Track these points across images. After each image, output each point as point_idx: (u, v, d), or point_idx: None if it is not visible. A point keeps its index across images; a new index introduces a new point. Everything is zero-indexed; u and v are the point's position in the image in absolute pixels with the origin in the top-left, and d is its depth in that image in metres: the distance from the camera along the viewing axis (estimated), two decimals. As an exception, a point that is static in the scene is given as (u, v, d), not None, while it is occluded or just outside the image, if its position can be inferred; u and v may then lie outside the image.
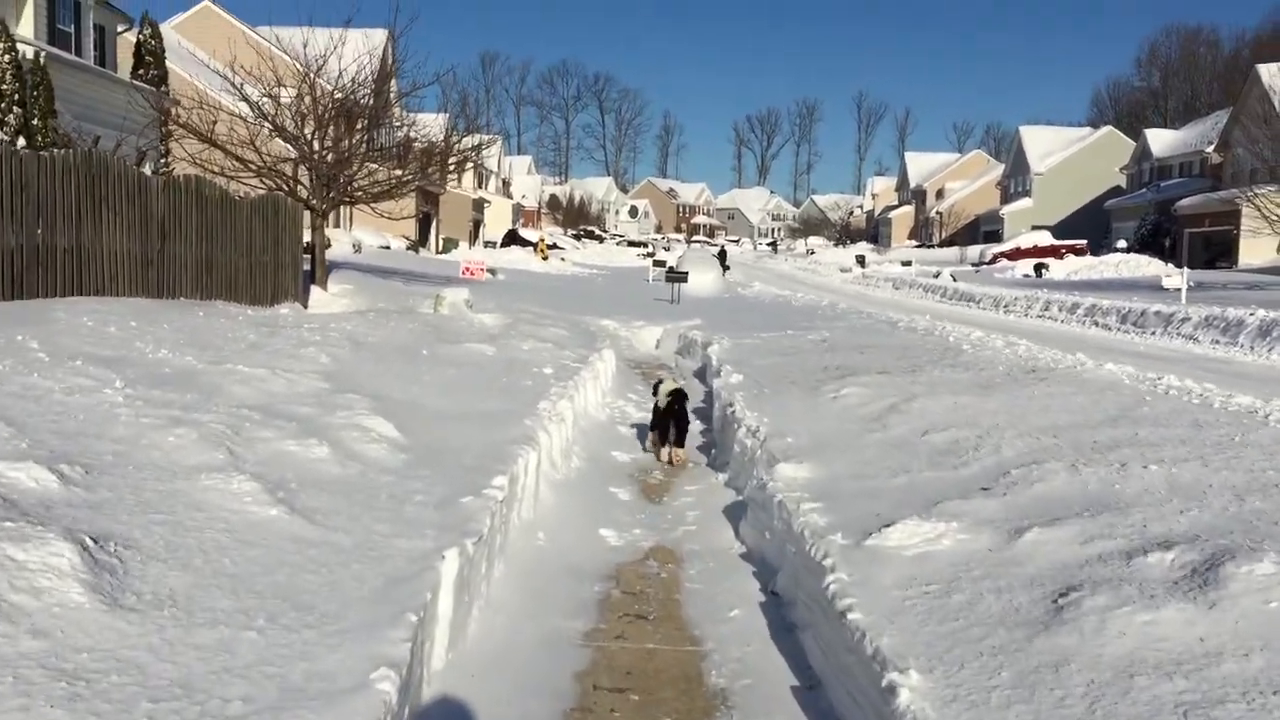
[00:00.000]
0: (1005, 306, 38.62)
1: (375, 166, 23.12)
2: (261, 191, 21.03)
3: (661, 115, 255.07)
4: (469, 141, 23.82)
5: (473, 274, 36.15)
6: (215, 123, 21.57)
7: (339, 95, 22.85)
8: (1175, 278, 39.29)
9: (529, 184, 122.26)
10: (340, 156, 22.87)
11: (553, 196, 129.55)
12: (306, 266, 23.00)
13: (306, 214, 22.78)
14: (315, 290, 22.52)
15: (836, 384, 11.16)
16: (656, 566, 7.27)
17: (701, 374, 17.67)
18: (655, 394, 11.11)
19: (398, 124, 23.25)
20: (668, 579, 7.02)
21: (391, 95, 25.35)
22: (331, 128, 22.75)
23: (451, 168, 23.71)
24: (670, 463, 10.61)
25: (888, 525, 5.84)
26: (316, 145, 22.46)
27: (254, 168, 22.68)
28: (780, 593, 6.40)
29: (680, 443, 10.74)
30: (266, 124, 22.26)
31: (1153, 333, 27.63)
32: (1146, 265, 56.19)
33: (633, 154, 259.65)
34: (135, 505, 5.37)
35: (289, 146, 22.55)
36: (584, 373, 13.22)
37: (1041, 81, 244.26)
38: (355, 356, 11.31)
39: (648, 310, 27.15)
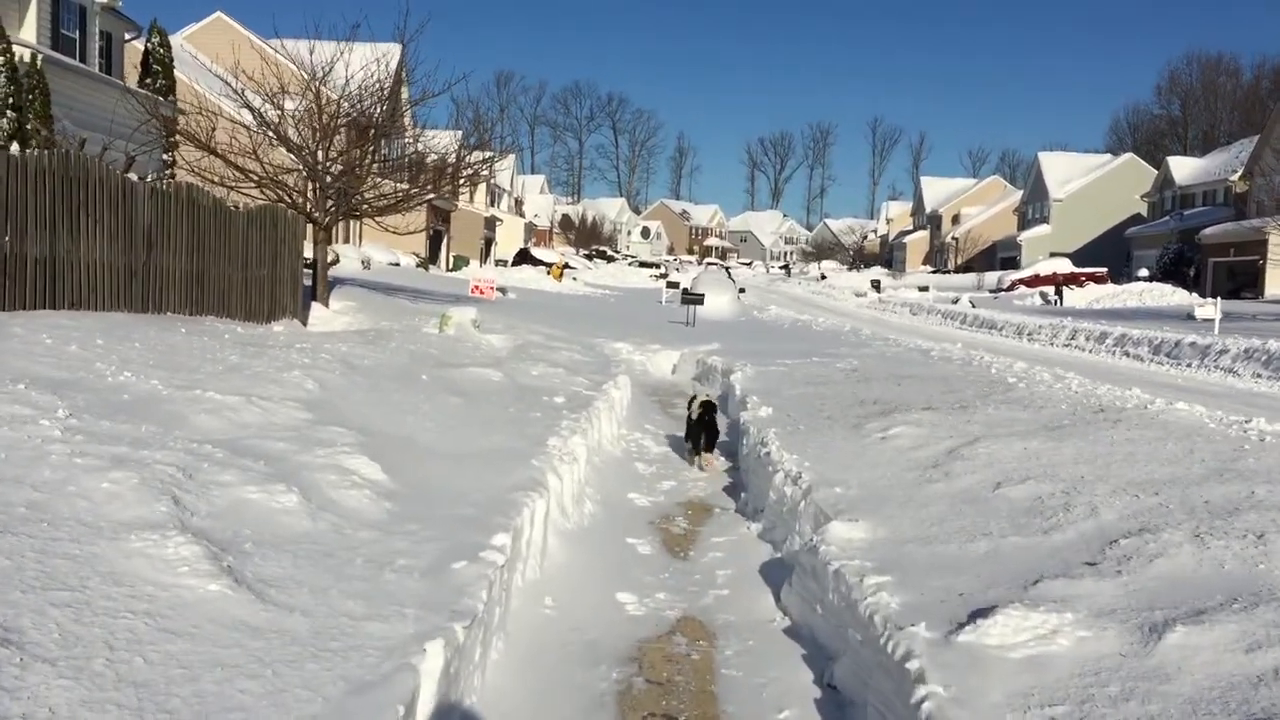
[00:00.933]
0: (1029, 335, 37.44)
1: (381, 180, 22.01)
2: (262, 203, 20.01)
3: (675, 137, 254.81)
4: (479, 156, 22.74)
5: (482, 293, 35.11)
6: (214, 129, 20.52)
7: (345, 104, 21.81)
8: (1208, 308, 38.10)
9: (542, 203, 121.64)
10: (346, 168, 21.84)
11: (565, 216, 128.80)
12: (308, 282, 21.97)
13: (309, 227, 21.77)
14: (316, 307, 21.43)
15: (881, 421, 9.98)
16: (685, 644, 6.09)
17: (722, 403, 16.52)
18: (689, 408, 12.34)
19: (407, 136, 22.16)
20: (700, 662, 5.83)
21: (402, 106, 24.42)
22: (338, 137, 21.71)
23: (462, 182, 22.63)
24: (701, 468, 11.74)
25: (982, 614, 4.65)
26: (320, 155, 21.43)
27: (255, 178, 21.65)
28: (840, 687, 5.22)
29: (710, 449, 11.93)
30: (269, 132, 21.23)
31: (1188, 365, 26.45)
32: (1170, 295, 55.04)
33: (646, 175, 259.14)
34: (35, 578, 4.22)
35: (292, 157, 21.51)
36: (598, 402, 12.07)
37: (1058, 108, 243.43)
38: (346, 382, 10.17)
39: (662, 333, 26.02)
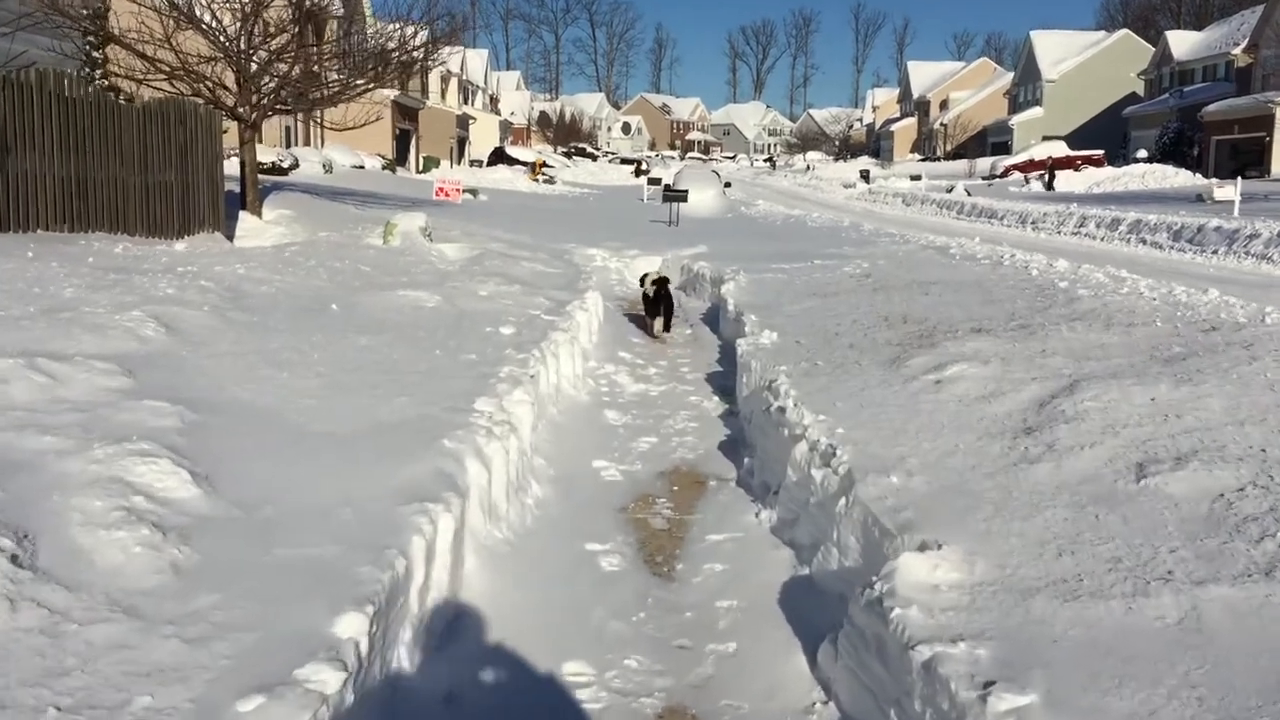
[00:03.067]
0: (1033, 223, 34.95)
1: (314, 68, 19.10)
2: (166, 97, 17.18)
3: (654, 28, 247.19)
4: (423, 38, 19.74)
5: (447, 195, 32.28)
6: (108, 9, 17.58)
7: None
8: (1227, 189, 35.63)
9: (518, 100, 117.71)
10: (274, 54, 18.91)
11: (543, 114, 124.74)
12: (236, 187, 19.25)
13: (236, 126, 18.94)
14: (245, 217, 18.70)
15: (927, 355, 7.48)
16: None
17: (713, 318, 14.00)
18: (642, 284, 13.32)
19: (354, 22, 19.18)
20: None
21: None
22: (265, 18, 18.73)
23: (404, 69, 19.73)
24: (659, 338, 12.82)
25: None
26: (244, 42, 18.52)
27: (166, 69, 18.74)
28: None
29: (667, 326, 13.00)
30: (175, 13, 18.25)
31: (1214, 251, 24.08)
32: (1174, 176, 52.55)
33: (625, 69, 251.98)
34: None
35: (206, 42, 18.55)
36: (557, 331, 9.55)
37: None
38: (215, 322, 7.64)
39: (643, 235, 23.34)
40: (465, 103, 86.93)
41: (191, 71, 18.56)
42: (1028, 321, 8.77)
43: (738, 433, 8.23)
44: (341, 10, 19.84)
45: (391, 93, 54.14)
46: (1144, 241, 27.94)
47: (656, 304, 12.89)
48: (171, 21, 18.58)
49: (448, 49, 21.28)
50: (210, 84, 18.62)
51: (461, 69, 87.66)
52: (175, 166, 15.33)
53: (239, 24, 18.69)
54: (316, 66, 19.10)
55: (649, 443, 7.97)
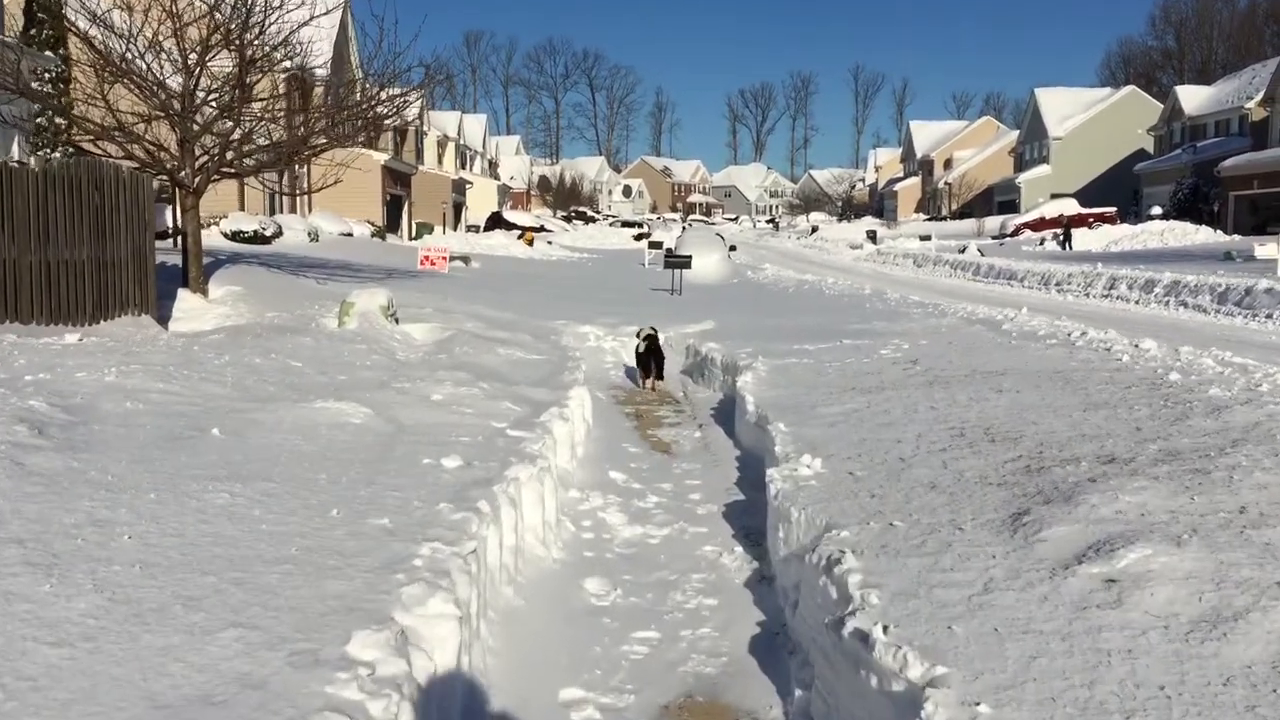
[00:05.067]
0: (1058, 285, 32.67)
1: (255, 124, 16.78)
2: (86, 157, 14.89)
3: (654, 92, 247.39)
4: (391, 92, 17.41)
5: (433, 264, 30.00)
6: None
7: (218, 14, 16.44)
8: (1269, 246, 33.40)
9: (517, 164, 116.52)
10: (220, 109, 16.60)
11: (543, 178, 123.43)
12: (179, 261, 16.90)
13: (177, 193, 16.61)
14: (186, 296, 16.30)
15: (1064, 518, 4.92)
16: None
17: (727, 414, 11.48)
18: (637, 338, 13.88)
19: (287, 57, 16.84)
20: None
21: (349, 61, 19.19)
22: (203, 74, 16.46)
23: (360, 125, 17.40)
24: (652, 389, 13.49)
25: None
26: (176, 89, 16.22)
27: (95, 127, 16.45)
28: None
29: (660, 376, 13.63)
30: (107, 64, 15.97)
31: (1268, 315, 21.74)
32: (1194, 233, 50.44)
33: (625, 132, 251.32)
34: None
35: (138, 94, 16.23)
36: (526, 455, 7.04)
37: (1045, 46, 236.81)
38: (1, 474, 5.15)
39: (643, 306, 20.87)
40: (463, 167, 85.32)
41: (126, 131, 16.30)
42: (1174, 447, 6.25)
43: (774, 617, 5.69)
44: (309, 67, 17.51)
45: (382, 157, 52.19)
46: (1184, 305, 25.65)
47: (647, 359, 13.55)
48: (105, 75, 16.38)
49: (418, 103, 18.94)
50: (148, 146, 16.33)
51: (459, 134, 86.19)
52: (87, 240, 12.94)
53: (184, 77, 16.44)
54: (260, 124, 16.74)
55: (647, 642, 5.39)
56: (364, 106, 17.25)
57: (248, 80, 16.46)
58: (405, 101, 17.82)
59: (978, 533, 5.00)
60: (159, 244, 18.80)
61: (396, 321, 14.82)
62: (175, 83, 16.55)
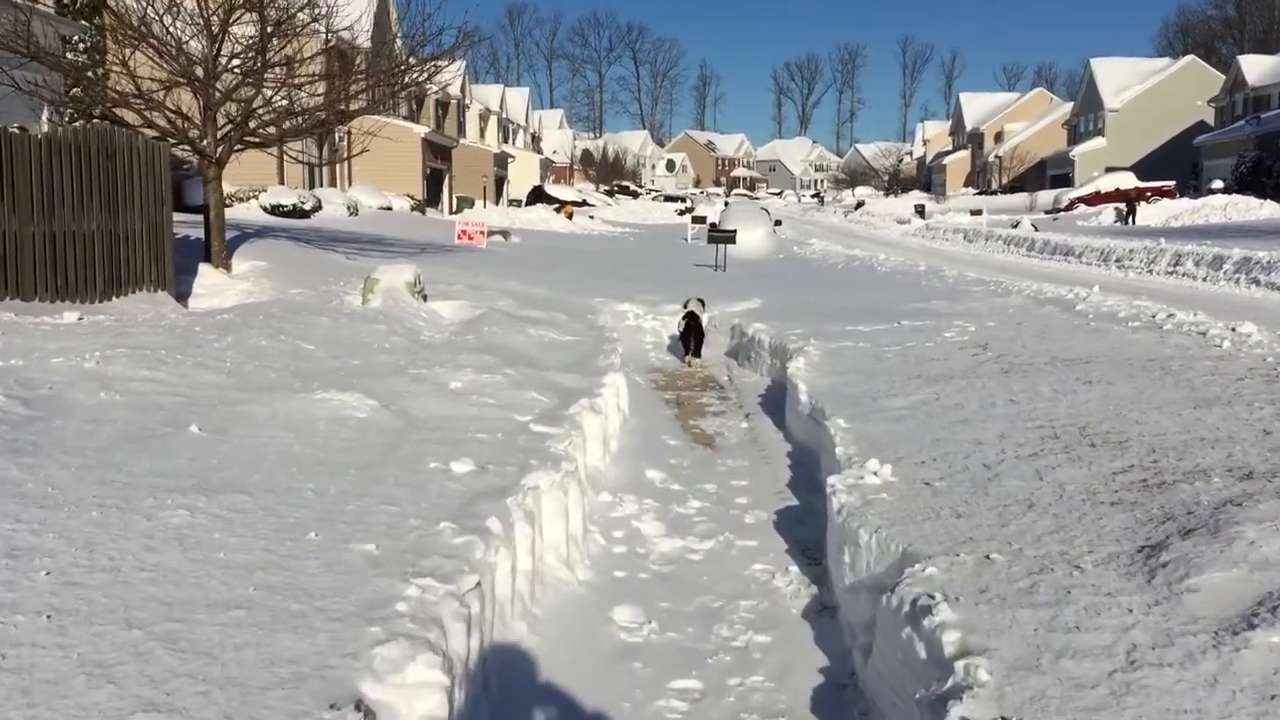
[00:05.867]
0: (1118, 261, 31.15)
1: (275, 88, 15.94)
2: (95, 124, 14.10)
3: (698, 65, 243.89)
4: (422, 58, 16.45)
5: (471, 238, 29.19)
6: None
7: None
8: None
9: (560, 139, 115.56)
10: (247, 71, 15.73)
11: (585, 152, 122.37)
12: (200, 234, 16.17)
13: (200, 163, 15.82)
14: (207, 271, 15.54)
15: (1216, 560, 3.93)
16: None
17: (775, 402, 10.49)
18: (683, 308, 13.88)
19: (313, 20, 15.93)
20: None
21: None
22: (227, 34, 15.62)
23: (398, 91, 16.48)
24: (689, 365, 13.34)
25: None
26: (199, 54, 15.41)
27: (113, 95, 15.68)
28: None
29: (698, 354, 13.49)
30: (125, 30, 15.19)
31: (1361, 297, 20.45)
32: (1259, 208, 48.44)
33: (669, 106, 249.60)
34: None
35: (161, 63, 15.46)
36: (551, 454, 6.13)
37: (1098, 15, 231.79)
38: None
39: (686, 283, 19.86)
40: (505, 141, 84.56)
41: (145, 98, 15.52)
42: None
43: (839, 660, 4.73)
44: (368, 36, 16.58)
45: (422, 130, 51.43)
46: (1257, 283, 24.17)
47: (687, 336, 13.48)
48: (124, 38, 15.63)
49: (453, 69, 17.98)
50: (169, 113, 15.54)
51: (501, 107, 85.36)
52: (99, 212, 12.19)
53: (205, 41, 15.64)
54: (282, 91, 15.88)
55: (686, 696, 4.44)
56: (394, 71, 16.31)
57: (271, 44, 15.60)
58: (436, 66, 16.87)
59: (1102, 574, 4.01)
60: (193, 218, 18.12)
61: (424, 299, 13.93)
62: (197, 46, 15.75)
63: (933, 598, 3.87)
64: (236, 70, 15.91)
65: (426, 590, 3.90)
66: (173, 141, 15.25)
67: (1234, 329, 10.22)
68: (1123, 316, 11.84)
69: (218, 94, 15.66)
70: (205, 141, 15.70)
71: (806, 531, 6.51)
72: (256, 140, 16.30)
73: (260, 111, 15.87)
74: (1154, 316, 11.57)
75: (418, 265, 14.75)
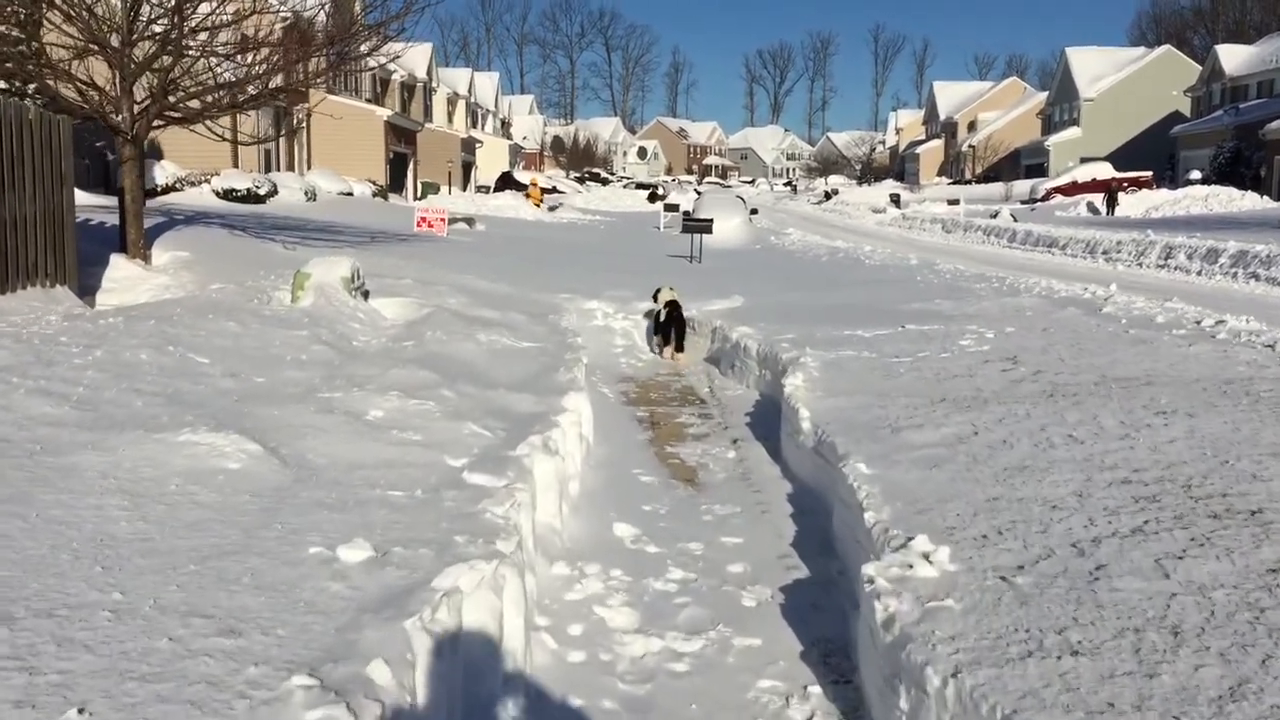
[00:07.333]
0: (1105, 253, 29.78)
1: (198, 57, 14.15)
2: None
3: (670, 52, 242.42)
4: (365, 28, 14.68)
5: (430, 225, 27.51)
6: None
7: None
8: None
9: (530, 124, 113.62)
10: (167, 40, 13.91)
11: (556, 138, 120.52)
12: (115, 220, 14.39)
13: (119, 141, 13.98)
14: (120, 263, 13.78)
15: None
16: None
17: (764, 422, 8.87)
18: (655, 300, 13.03)
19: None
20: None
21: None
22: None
23: (333, 61, 14.74)
24: (672, 359, 12.49)
25: None
26: (114, 23, 13.61)
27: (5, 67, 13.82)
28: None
29: (680, 347, 12.58)
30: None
31: (1366, 290, 19.21)
32: (1239, 198, 47.51)
33: (641, 93, 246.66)
34: None
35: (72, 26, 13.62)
36: (486, 517, 4.51)
37: (1071, 8, 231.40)
38: None
39: (660, 275, 18.19)
40: (474, 126, 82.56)
41: (51, 66, 13.74)
42: None
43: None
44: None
45: (385, 113, 49.45)
46: (1256, 277, 22.89)
47: (668, 327, 12.73)
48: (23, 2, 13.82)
49: (399, 39, 16.20)
50: (79, 84, 13.75)
51: (470, 91, 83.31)
52: (-18, 196, 10.40)
53: (120, 3, 13.85)
54: (204, 59, 14.09)
55: None
56: (335, 40, 14.53)
57: (192, 6, 13.78)
58: (384, 36, 15.11)
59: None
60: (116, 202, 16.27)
61: (365, 296, 12.24)
62: (110, 6, 13.95)
63: None
64: (155, 37, 14.12)
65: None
66: (78, 117, 13.41)
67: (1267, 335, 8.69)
68: (1162, 322, 10.30)
69: (133, 64, 13.87)
70: (120, 117, 13.91)
71: (826, 622, 4.90)
72: (178, 115, 14.49)
73: (182, 83, 14.08)
74: (1199, 323, 10.04)
75: (366, 256, 13.07)
